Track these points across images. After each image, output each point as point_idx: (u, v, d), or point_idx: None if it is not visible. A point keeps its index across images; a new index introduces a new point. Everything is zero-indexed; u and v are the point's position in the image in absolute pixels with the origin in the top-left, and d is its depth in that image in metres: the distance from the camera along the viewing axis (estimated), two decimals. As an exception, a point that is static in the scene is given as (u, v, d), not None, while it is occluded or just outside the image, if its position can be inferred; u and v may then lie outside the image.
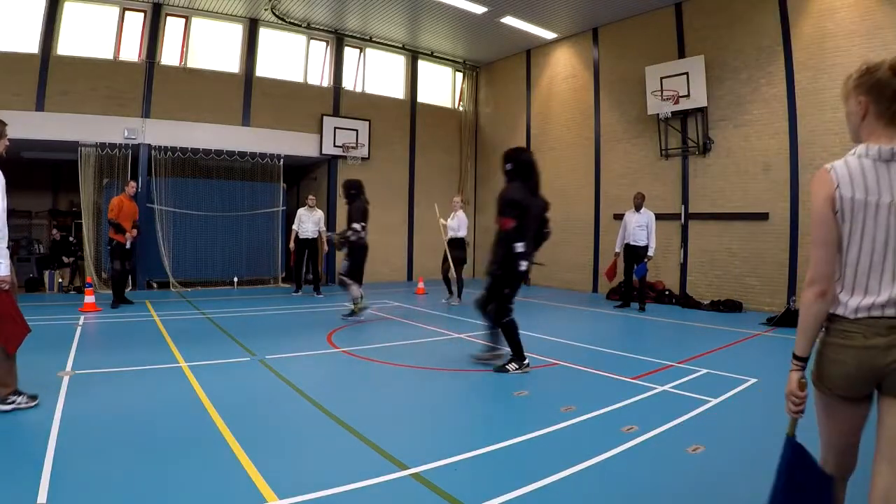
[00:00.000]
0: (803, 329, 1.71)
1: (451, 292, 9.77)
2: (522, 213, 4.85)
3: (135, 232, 8.69)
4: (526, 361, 5.10)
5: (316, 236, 10.73)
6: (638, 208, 9.18)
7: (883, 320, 1.60)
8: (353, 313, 7.82)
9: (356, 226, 7.60)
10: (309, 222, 10.67)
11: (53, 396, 4.01)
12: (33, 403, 3.83)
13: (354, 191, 7.84)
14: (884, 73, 1.64)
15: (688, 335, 7.44)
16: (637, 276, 9.28)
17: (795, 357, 1.73)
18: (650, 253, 9.13)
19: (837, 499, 1.79)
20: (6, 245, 3.67)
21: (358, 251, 7.71)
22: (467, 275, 15.19)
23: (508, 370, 5.03)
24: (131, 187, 8.82)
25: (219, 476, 2.83)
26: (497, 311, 5.08)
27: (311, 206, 10.78)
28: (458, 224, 9.63)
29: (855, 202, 1.63)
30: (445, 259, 9.66)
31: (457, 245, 9.60)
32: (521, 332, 7.08)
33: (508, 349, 5.19)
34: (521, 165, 5.03)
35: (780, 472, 1.77)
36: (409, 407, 4.24)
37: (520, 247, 4.83)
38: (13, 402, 3.75)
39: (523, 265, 4.90)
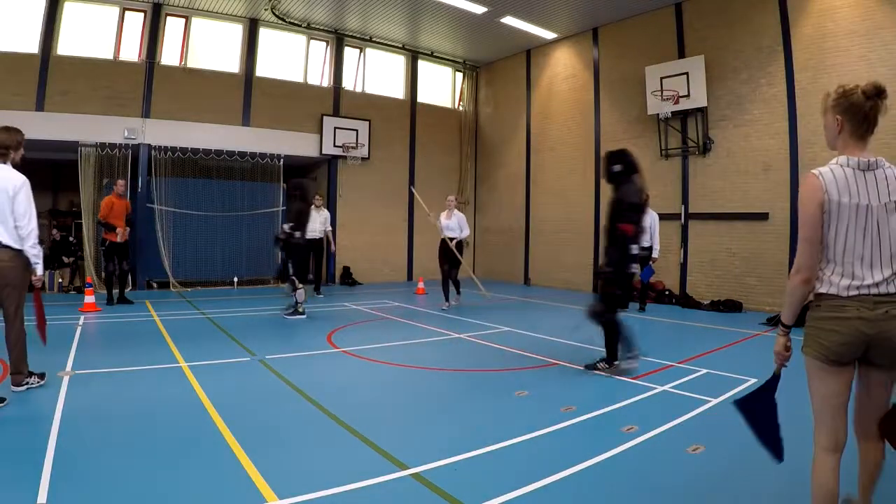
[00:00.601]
0: (790, 305, 2.07)
1: (447, 299, 9.22)
2: (639, 215, 4.95)
3: (127, 229, 8.64)
4: (616, 362, 5.05)
5: (322, 236, 10.62)
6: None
7: (870, 297, 1.95)
8: (295, 311, 8.01)
9: (285, 227, 7.87)
10: (316, 222, 10.37)
11: (53, 396, 4.01)
12: (42, 381, 4.27)
13: (298, 192, 8.12)
14: (858, 97, 1.97)
15: (688, 335, 7.44)
16: (644, 279, 9.22)
17: (783, 325, 2.11)
18: (655, 255, 9.04)
19: (832, 474, 2.02)
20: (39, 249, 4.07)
21: (297, 251, 8.00)
22: (467, 274, 15.24)
23: (598, 368, 5.03)
24: (120, 186, 8.80)
25: (219, 476, 2.83)
26: (607, 309, 5.02)
27: (317, 206, 10.55)
28: (458, 224, 8.99)
29: (840, 205, 1.95)
30: (444, 262, 8.97)
31: (457, 248, 8.99)
32: (522, 332, 7.12)
33: (626, 348, 5.11)
34: (630, 167, 5.02)
35: (757, 390, 2.26)
36: (409, 407, 4.25)
37: (635, 248, 4.91)
38: (27, 384, 4.16)
39: (634, 267, 4.97)
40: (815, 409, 2.08)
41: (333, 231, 13.04)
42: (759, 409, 2.26)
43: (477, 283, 9.12)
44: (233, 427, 3.48)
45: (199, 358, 5.39)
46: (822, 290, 2.01)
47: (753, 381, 4.79)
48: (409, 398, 4.48)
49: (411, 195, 14.26)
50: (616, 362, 5.07)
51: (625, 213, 4.85)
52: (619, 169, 4.98)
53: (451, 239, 8.95)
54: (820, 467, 2.03)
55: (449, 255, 8.90)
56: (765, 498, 2.70)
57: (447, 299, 9.23)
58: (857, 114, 1.98)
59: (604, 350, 5.17)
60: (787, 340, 2.11)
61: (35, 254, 4.02)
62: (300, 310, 7.98)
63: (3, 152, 4.04)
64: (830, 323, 1.98)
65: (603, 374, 5.00)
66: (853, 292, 1.95)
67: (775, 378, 2.22)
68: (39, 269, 4.10)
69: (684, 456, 3.19)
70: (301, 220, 8.01)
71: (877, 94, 1.96)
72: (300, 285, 8.00)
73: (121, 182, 8.89)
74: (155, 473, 2.83)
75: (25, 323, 4.18)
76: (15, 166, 4.11)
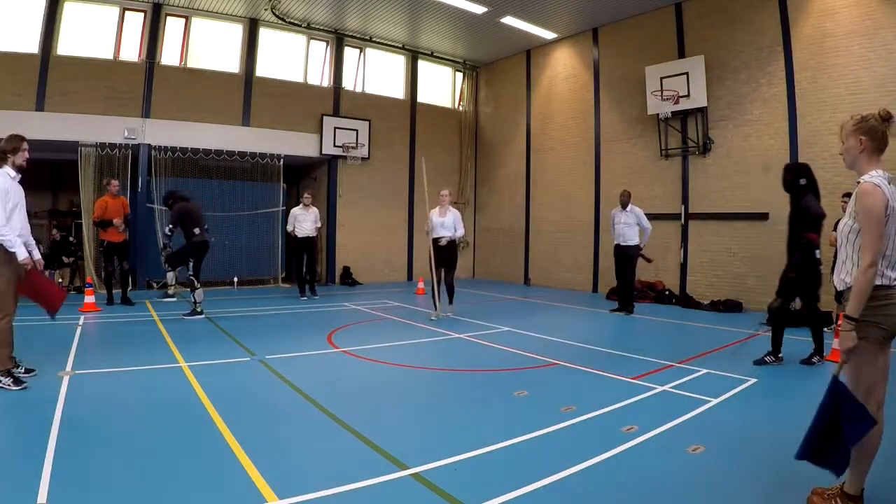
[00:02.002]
0: (864, 297, 2.36)
1: (436, 306, 8.29)
2: (821, 225, 5.47)
3: (122, 224, 8.50)
4: (781, 355, 5.53)
5: (315, 234, 10.45)
6: (624, 206, 8.87)
7: None
8: (194, 312, 7.85)
9: (165, 230, 7.86)
10: (307, 221, 10.26)
11: (53, 396, 4.01)
12: (17, 388, 4.18)
13: (172, 200, 8.15)
14: (875, 119, 2.46)
15: (688, 335, 7.44)
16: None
17: (854, 319, 2.37)
18: (643, 243, 8.87)
19: (880, 432, 2.42)
20: (14, 236, 4.22)
21: (200, 249, 7.95)
22: (467, 274, 15.26)
23: (766, 362, 5.47)
24: (113, 186, 8.71)
25: (219, 476, 2.83)
26: (781, 308, 5.61)
27: (306, 205, 10.34)
28: (452, 222, 8.17)
29: (894, 210, 2.37)
30: (439, 264, 8.24)
31: (451, 247, 8.27)
32: (522, 332, 7.13)
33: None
34: (813, 180, 5.55)
35: (826, 405, 2.40)
36: (409, 407, 4.25)
37: (818, 253, 5.46)
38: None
39: (821, 268, 5.56)
40: (869, 384, 2.42)
41: (333, 230, 13.05)
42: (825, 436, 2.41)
43: (436, 300, 8.28)
44: (233, 427, 3.48)
45: (199, 358, 5.39)
46: (878, 282, 2.38)
47: (753, 380, 4.80)
48: (410, 398, 4.48)
49: (411, 195, 14.27)
50: (780, 355, 5.57)
51: (815, 224, 5.42)
52: (804, 182, 5.53)
53: (441, 238, 8.16)
54: (875, 429, 2.36)
55: (444, 256, 8.19)
56: (764, 498, 2.70)
57: (436, 308, 8.27)
58: (876, 134, 2.44)
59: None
60: (856, 334, 2.38)
61: (9, 241, 4.18)
62: (199, 309, 7.84)
63: (2, 157, 4.34)
64: (887, 309, 2.38)
65: (771, 364, 5.48)
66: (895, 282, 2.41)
67: (836, 383, 2.42)
68: (20, 254, 4.24)
69: (684, 456, 3.19)
70: (192, 220, 7.85)
71: (889, 117, 2.47)
72: (198, 285, 7.89)
73: (114, 182, 8.80)
74: (155, 473, 2.83)
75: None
76: (19, 169, 4.40)
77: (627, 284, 8.97)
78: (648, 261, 9.19)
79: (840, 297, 2.61)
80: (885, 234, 2.36)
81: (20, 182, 4.45)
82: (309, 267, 10.55)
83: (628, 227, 8.81)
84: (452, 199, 8.40)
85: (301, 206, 10.40)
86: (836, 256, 2.65)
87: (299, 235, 10.25)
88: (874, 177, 2.39)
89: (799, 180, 5.50)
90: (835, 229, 2.87)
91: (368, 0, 11.23)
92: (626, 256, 8.85)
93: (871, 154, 2.47)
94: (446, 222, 8.18)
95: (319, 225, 10.63)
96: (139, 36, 11.06)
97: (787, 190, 5.68)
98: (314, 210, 10.50)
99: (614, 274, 9.26)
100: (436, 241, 8.22)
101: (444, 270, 8.29)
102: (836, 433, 2.35)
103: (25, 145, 4.43)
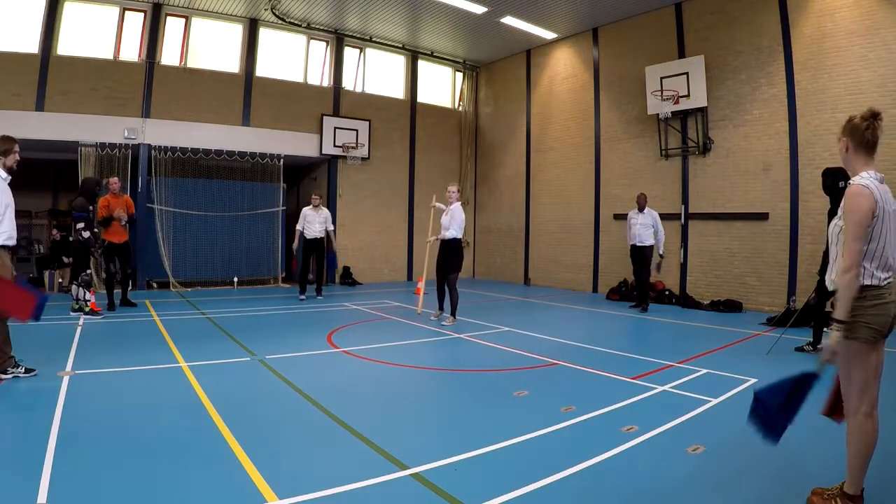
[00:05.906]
0: (848, 300, 2.35)
1: (442, 307, 8.09)
2: None
3: (124, 216, 8.33)
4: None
5: (323, 236, 10.23)
6: (641, 208, 9.17)
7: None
8: (81, 310, 7.81)
9: (86, 231, 7.80)
10: (315, 222, 10.10)
11: (53, 396, 4.01)
12: (30, 373, 4.43)
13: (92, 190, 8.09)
14: (858, 120, 2.47)
15: (688, 335, 7.44)
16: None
17: (841, 321, 2.35)
18: (661, 250, 9.16)
19: (876, 431, 2.42)
20: None
21: (82, 249, 7.92)
22: (467, 274, 15.26)
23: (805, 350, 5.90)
24: (113, 184, 8.50)
25: (219, 476, 2.83)
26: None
27: (316, 206, 10.22)
28: (449, 221, 7.78)
29: (885, 211, 2.38)
30: (441, 266, 7.89)
31: (447, 248, 7.85)
32: (522, 332, 7.12)
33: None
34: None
35: (792, 380, 2.49)
36: (409, 407, 4.25)
37: None
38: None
39: None
40: (861, 383, 2.42)
41: (334, 230, 13.04)
42: (783, 401, 2.48)
43: (420, 300, 8.27)
44: (233, 427, 3.48)
45: (199, 358, 5.39)
46: (867, 282, 2.40)
47: (753, 380, 4.80)
48: (410, 398, 4.48)
49: (411, 195, 14.27)
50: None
51: None
52: (844, 185, 5.92)
53: (436, 238, 7.95)
54: (870, 427, 2.40)
55: (441, 257, 7.86)
56: (764, 498, 2.70)
57: (441, 307, 8.10)
58: (856, 132, 2.44)
59: None
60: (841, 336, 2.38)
61: None
62: (86, 309, 7.76)
63: None
64: (876, 309, 2.38)
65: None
66: (885, 281, 2.41)
67: (815, 375, 2.48)
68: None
69: (684, 456, 3.19)
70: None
71: (872, 116, 2.44)
72: (87, 281, 7.86)
73: (114, 179, 8.59)
74: (155, 473, 2.83)
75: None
76: (10, 171, 4.42)
77: (642, 283, 9.33)
78: (657, 266, 9.31)
79: (831, 297, 2.60)
80: (868, 235, 2.36)
81: (12, 183, 4.43)
82: (317, 268, 10.41)
83: (644, 228, 9.13)
84: (458, 197, 8.01)
85: (311, 206, 10.22)
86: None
87: (308, 236, 10.10)
88: (864, 178, 2.39)
89: (839, 183, 5.59)
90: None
91: (368, 0, 11.24)
92: (642, 256, 9.16)
93: (857, 154, 2.46)
94: (444, 221, 7.84)
95: (331, 228, 10.39)
96: (139, 36, 11.06)
97: (828, 193, 5.87)
98: (325, 212, 10.31)
99: (632, 272, 9.65)
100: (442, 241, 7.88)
101: (443, 272, 7.85)
102: (786, 408, 2.48)
103: (17, 147, 4.43)
